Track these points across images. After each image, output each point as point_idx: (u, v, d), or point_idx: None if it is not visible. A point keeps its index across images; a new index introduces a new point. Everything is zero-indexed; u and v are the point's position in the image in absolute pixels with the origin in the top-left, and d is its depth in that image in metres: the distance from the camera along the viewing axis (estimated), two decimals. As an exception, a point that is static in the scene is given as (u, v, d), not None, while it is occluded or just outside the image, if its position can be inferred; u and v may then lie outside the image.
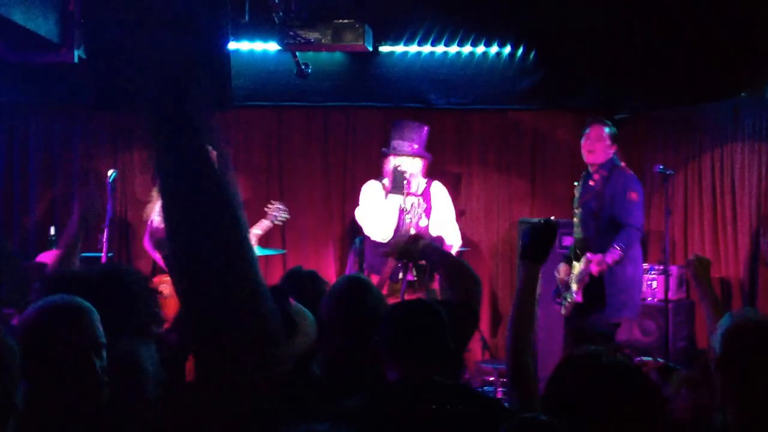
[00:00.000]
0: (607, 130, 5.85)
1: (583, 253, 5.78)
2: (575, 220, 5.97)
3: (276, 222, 6.58)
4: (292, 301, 2.72)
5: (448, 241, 6.14)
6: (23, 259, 5.62)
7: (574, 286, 5.79)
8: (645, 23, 6.68)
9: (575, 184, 6.06)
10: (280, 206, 6.62)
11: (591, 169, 5.90)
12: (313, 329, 2.72)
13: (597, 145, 5.83)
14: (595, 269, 5.63)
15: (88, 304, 2.32)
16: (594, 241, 5.76)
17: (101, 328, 2.31)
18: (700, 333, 6.88)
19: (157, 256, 6.41)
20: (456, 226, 6.34)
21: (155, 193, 6.12)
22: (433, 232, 6.11)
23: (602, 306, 5.68)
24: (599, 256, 5.64)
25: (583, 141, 5.89)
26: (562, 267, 5.97)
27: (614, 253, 5.60)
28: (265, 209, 6.53)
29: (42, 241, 6.96)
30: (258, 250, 6.41)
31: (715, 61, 6.62)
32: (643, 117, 7.50)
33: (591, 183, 5.86)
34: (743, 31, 6.35)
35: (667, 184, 6.17)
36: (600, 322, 5.70)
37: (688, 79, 6.81)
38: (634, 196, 5.73)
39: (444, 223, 6.21)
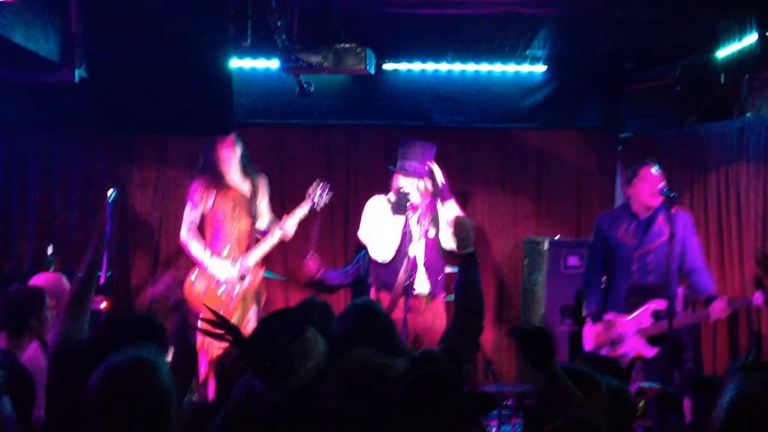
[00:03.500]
0: (657, 167, 5.64)
1: (640, 302, 5.46)
2: (633, 267, 5.58)
3: (318, 207, 6.18)
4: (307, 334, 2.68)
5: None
6: (17, 280, 5.54)
7: (633, 340, 5.44)
8: (650, 42, 6.64)
9: (627, 230, 5.64)
10: (323, 184, 6.18)
11: (644, 214, 5.64)
12: (312, 367, 2.64)
13: (658, 187, 5.55)
14: (724, 313, 5.39)
15: (152, 357, 2.45)
16: (663, 289, 5.40)
17: (169, 377, 2.44)
18: (706, 354, 6.82)
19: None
20: None
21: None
22: (444, 244, 6.04)
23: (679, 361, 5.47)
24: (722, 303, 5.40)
25: (639, 184, 5.61)
26: (592, 331, 5.58)
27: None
28: (308, 192, 6.16)
29: (39, 261, 6.87)
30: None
31: (720, 82, 6.59)
32: (649, 137, 7.45)
33: (656, 228, 5.56)
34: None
35: (669, 207, 6.09)
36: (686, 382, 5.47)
37: (694, 98, 6.78)
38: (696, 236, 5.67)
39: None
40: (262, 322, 2.80)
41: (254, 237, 6.18)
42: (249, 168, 6.26)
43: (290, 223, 6.13)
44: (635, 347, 5.46)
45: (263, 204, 6.31)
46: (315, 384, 2.63)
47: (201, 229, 6.15)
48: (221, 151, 6.12)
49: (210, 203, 6.12)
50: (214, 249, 6.05)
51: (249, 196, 6.18)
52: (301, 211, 6.16)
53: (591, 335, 5.58)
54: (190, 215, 6.16)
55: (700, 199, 7.08)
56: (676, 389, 5.32)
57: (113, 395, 2.35)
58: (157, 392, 2.38)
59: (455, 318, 3.51)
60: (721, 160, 6.97)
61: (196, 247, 6.07)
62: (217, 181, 6.14)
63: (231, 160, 6.14)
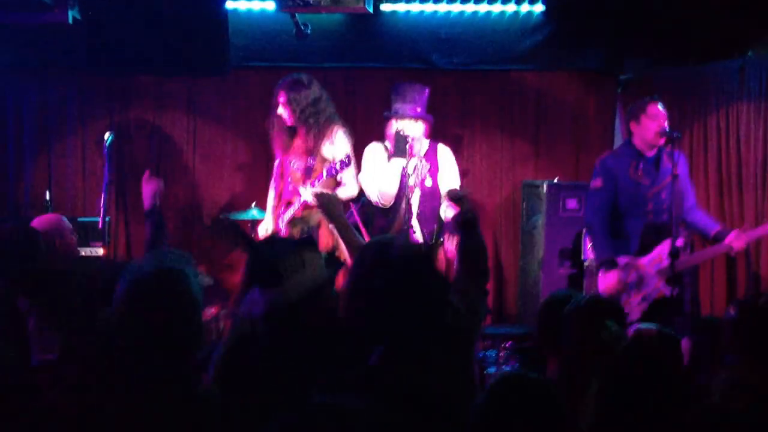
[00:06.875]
0: (662, 104, 5.59)
1: (656, 242, 5.36)
2: (648, 206, 5.51)
3: (338, 176, 5.76)
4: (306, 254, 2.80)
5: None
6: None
7: (654, 281, 5.34)
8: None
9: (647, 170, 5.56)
10: (344, 160, 5.67)
11: (650, 152, 5.58)
12: (304, 285, 2.75)
13: (664, 125, 5.49)
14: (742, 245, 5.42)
15: (180, 266, 2.53)
16: (671, 228, 5.25)
17: (198, 287, 2.53)
18: (704, 296, 6.85)
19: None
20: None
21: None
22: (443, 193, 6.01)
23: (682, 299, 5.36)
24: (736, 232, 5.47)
25: (647, 122, 5.53)
26: (609, 278, 5.33)
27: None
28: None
29: (38, 206, 6.85)
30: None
31: (722, 20, 6.50)
32: (649, 77, 7.37)
33: (664, 166, 5.49)
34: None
35: (673, 147, 6.04)
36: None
37: (695, 38, 6.70)
38: None
39: (449, 186, 6.09)
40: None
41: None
42: (312, 119, 5.83)
43: (305, 191, 5.71)
44: (657, 288, 5.37)
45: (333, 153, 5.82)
46: (307, 303, 2.74)
47: None
48: (274, 105, 5.94)
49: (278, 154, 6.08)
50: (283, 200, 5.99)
51: (302, 151, 5.91)
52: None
53: (608, 282, 5.34)
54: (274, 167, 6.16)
55: (700, 140, 7.05)
56: (674, 330, 5.31)
57: (141, 303, 2.36)
58: (186, 300, 2.41)
59: (460, 274, 3.40)
60: (722, 101, 6.94)
61: (269, 197, 6.12)
62: (278, 131, 5.98)
63: (276, 111, 5.90)
